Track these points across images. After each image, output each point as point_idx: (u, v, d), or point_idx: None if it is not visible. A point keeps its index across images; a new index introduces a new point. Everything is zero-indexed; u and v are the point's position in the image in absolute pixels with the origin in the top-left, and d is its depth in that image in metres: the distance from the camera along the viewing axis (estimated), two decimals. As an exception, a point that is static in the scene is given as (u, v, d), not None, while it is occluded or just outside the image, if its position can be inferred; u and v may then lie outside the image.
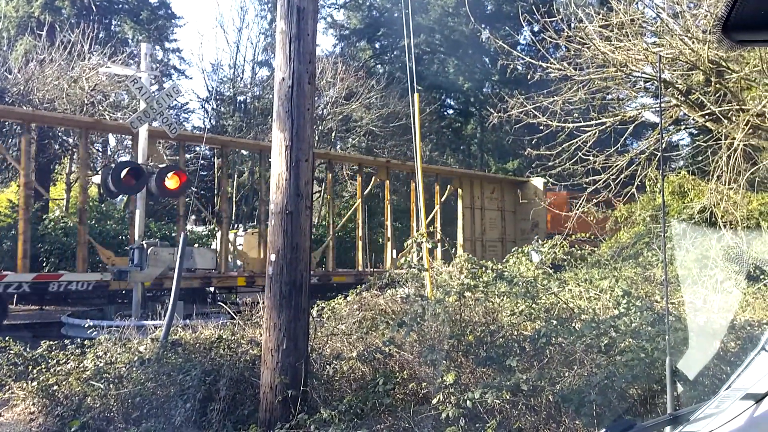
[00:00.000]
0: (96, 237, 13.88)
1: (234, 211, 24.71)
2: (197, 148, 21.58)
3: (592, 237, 13.62)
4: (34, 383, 5.53)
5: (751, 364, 1.63)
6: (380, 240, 18.88)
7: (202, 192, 23.91)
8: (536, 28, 14.83)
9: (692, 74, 10.35)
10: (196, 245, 15.15)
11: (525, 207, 13.92)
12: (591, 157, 11.14)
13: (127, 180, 9.06)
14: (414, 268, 6.58)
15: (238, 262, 14.79)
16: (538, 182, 18.03)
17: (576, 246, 9.19)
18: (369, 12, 33.21)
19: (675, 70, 10.29)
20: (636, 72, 10.47)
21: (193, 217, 16.34)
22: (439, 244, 16.10)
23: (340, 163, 22.35)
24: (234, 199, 25.24)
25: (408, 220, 17.09)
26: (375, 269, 15.48)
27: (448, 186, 18.41)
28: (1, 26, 22.26)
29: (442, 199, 17.91)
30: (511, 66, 12.27)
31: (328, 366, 5.20)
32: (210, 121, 29.07)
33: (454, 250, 16.23)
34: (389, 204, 16.68)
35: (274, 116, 4.89)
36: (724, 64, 9.54)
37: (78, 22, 20.14)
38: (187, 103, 30.37)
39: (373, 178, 17.04)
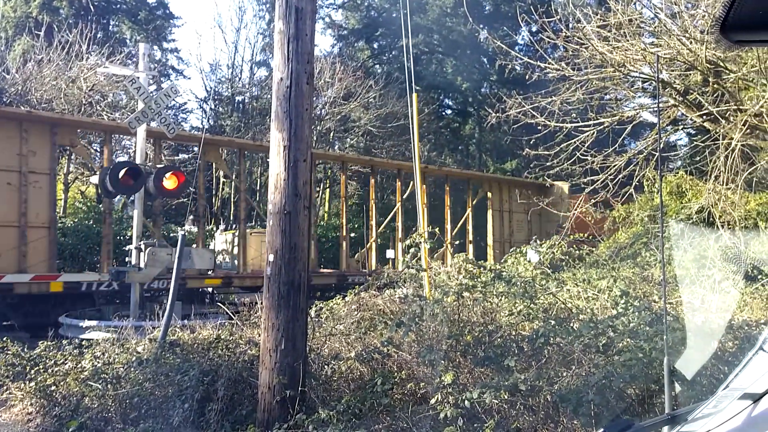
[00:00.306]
0: (94, 237, 13.88)
1: (231, 212, 24.69)
2: (195, 148, 21.55)
3: (591, 237, 13.63)
4: (32, 383, 5.52)
5: (748, 363, 1.63)
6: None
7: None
8: (534, 29, 14.85)
9: (690, 74, 10.36)
10: (194, 246, 15.13)
11: (550, 210, 14.42)
12: (589, 157, 11.15)
13: (125, 180, 9.02)
14: (412, 268, 6.58)
15: (236, 262, 14.74)
16: (563, 186, 18.37)
17: (574, 246, 9.21)
18: (367, 12, 33.20)
19: (673, 71, 10.30)
20: (634, 72, 10.48)
21: (191, 217, 16.32)
22: (471, 245, 17.32)
23: (337, 162, 22.41)
24: (232, 199, 25.23)
25: (442, 222, 17.49)
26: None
27: (479, 190, 19.10)
28: (-1, 26, 22.24)
29: (473, 203, 18.56)
30: (510, 66, 12.28)
31: (326, 366, 5.19)
32: (208, 121, 29.08)
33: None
34: (425, 207, 16.87)
35: (272, 116, 4.89)
36: (722, 64, 9.55)
37: (76, 22, 20.13)
38: (185, 103, 30.34)
39: (411, 183, 17.21)
